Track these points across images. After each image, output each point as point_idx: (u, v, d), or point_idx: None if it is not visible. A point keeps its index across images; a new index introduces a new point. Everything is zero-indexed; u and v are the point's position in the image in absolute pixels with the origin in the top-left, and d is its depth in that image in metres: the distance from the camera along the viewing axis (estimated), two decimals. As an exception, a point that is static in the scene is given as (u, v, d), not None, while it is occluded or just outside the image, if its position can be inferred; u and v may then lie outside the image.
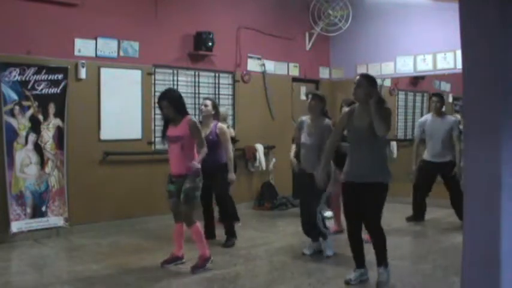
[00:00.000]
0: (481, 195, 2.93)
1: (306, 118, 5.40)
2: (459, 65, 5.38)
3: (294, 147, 5.58)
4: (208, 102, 5.86)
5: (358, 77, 4.52)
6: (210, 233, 5.96)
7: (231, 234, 5.93)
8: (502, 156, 2.84)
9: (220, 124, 5.87)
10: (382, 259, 4.38)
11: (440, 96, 6.96)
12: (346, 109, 6.10)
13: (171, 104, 4.80)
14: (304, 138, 5.32)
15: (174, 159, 4.87)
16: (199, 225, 4.96)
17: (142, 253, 5.48)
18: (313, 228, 5.32)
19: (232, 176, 5.85)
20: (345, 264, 5.03)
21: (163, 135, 4.98)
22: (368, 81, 4.44)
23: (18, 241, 5.79)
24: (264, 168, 8.20)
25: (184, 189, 4.76)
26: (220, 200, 5.98)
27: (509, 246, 2.86)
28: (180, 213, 4.88)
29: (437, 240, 6.24)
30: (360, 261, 4.55)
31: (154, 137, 7.15)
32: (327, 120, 5.28)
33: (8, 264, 5.16)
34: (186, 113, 4.90)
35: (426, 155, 6.87)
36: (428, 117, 7.01)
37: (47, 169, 6.06)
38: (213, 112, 5.83)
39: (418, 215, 7.06)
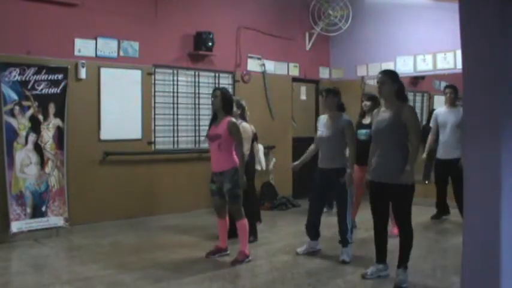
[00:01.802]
0: (481, 195, 2.93)
1: (323, 116, 5.40)
2: (459, 65, 5.38)
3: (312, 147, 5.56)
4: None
5: (380, 75, 4.52)
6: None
7: (252, 233, 5.79)
8: (502, 156, 2.84)
9: (244, 124, 5.86)
10: (403, 260, 4.41)
11: (453, 87, 6.83)
12: (367, 103, 6.21)
13: (222, 96, 5.12)
14: (320, 132, 5.30)
15: (213, 157, 5.18)
16: (247, 222, 5.18)
17: (143, 253, 5.48)
18: (315, 227, 5.37)
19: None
20: (346, 264, 5.03)
21: (207, 134, 5.28)
22: (391, 77, 4.48)
23: (18, 241, 5.78)
24: (264, 168, 8.18)
25: (227, 190, 5.06)
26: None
27: (509, 246, 2.86)
28: (221, 211, 5.24)
29: (437, 240, 6.24)
30: (380, 256, 4.60)
31: (154, 137, 7.15)
32: (345, 116, 5.25)
33: (8, 264, 5.16)
34: (230, 113, 5.20)
35: (439, 151, 6.85)
36: (441, 108, 6.99)
37: (47, 169, 6.05)
38: (238, 112, 5.90)
39: (440, 212, 7.12)
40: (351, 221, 5.23)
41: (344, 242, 5.17)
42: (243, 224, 5.14)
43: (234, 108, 5.82)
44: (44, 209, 6.00)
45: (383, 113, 4.52)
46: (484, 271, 2.92)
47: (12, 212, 5.76)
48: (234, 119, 5.19)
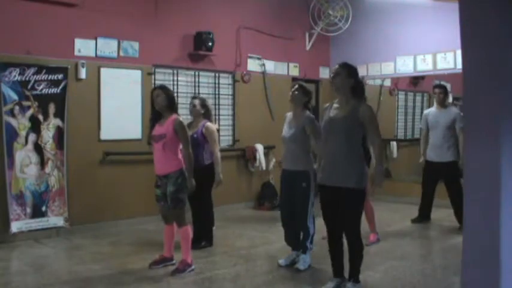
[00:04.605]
0: (481, 195, 2.93)
1: (289, 114, 5.08)
2: (459, 65, 5.39)
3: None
4: (197, 102, 5.73)
5: (336, 66, 4.24)
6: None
7: (205, 238, 5.67)
8: (502, 156, 2.84)
9: (209, 123, 5.66)
10: (354, 272, 4.15)
11: (443, 87, 6.77)
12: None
13: (166, 94, 4.79)
14: (284, 131, 4.99)
15: (157, 158, 4.80)
16: (190, 228, 4.93)
17: (142, 253, 5.47)
18: (296, 236, 4.97)
19: (218, 177, 5.62)
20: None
21: (149, 136, 4.90)
22: (347, 71, 4.14)
23: (18, 241, 5.79)
24: (264, 168, 8.21)
25: (169, 194, 4.70)
26: (199, 204, 5.66)
27: (509, 246, 2.86)
28: (169, 216, 4.87)
29: (437, 240, 6.24)
30: (337, 270, 4.29)
31: (154, 137, 7.15)
32: (307, 112, 4.93)
33: (8, 264, 5.16)
34: (175, 111, 4.85)
35: (428, 153, 6.78)
36: (432, 109, 6.94)
37: (47, 169, 6.05)
38: (202, 111, 5.71)
39: (422, 216, 6.99)
40: (313, 226, 4.89)
41: (303, 248, 4.89)
42: (185, 230, 4.79)
43: (198, 107, 5.69)
44: (44, 209, 6.00)
45: (336, 110, 4.12)
46: (484, 271, 2.92)
47: (12, 212, 5.76)
48: (180, 118, 4.80)
